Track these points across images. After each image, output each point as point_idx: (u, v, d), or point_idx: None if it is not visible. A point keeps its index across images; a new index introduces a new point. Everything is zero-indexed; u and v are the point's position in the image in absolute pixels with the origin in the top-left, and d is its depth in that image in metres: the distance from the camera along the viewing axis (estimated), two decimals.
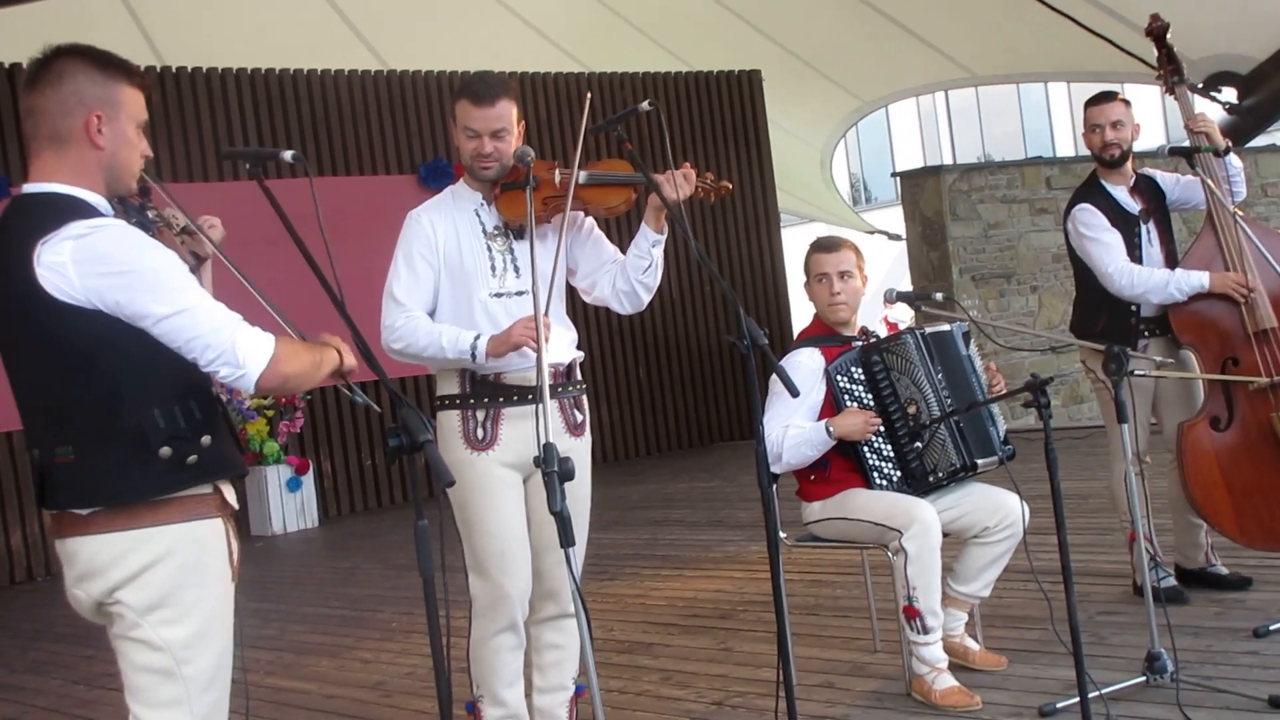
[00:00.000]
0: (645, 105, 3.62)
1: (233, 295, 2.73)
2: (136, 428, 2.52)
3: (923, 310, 4.32)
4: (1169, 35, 5.12)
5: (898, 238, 13.70)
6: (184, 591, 2.58)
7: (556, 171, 3.77)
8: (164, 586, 2.56)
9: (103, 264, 2.48)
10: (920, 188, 11.93)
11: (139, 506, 2.55)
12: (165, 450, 2.54)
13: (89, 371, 2.52)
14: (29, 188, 2.62)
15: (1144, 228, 5.01)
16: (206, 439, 2.60)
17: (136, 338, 2.50)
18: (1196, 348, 4.88)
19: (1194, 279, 4.79)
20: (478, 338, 3.63)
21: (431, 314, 3.76)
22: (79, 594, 2.64)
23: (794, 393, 3.36)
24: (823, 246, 4.47)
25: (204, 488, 2.62)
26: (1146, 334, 4.97)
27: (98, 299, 2.48)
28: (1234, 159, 4.94)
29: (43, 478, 2.61)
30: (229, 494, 2.69)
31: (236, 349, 2.50)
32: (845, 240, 4.51)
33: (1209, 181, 4.82)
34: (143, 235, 2.59)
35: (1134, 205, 5.02)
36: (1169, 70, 5.12)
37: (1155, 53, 5.16)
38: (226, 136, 10.08)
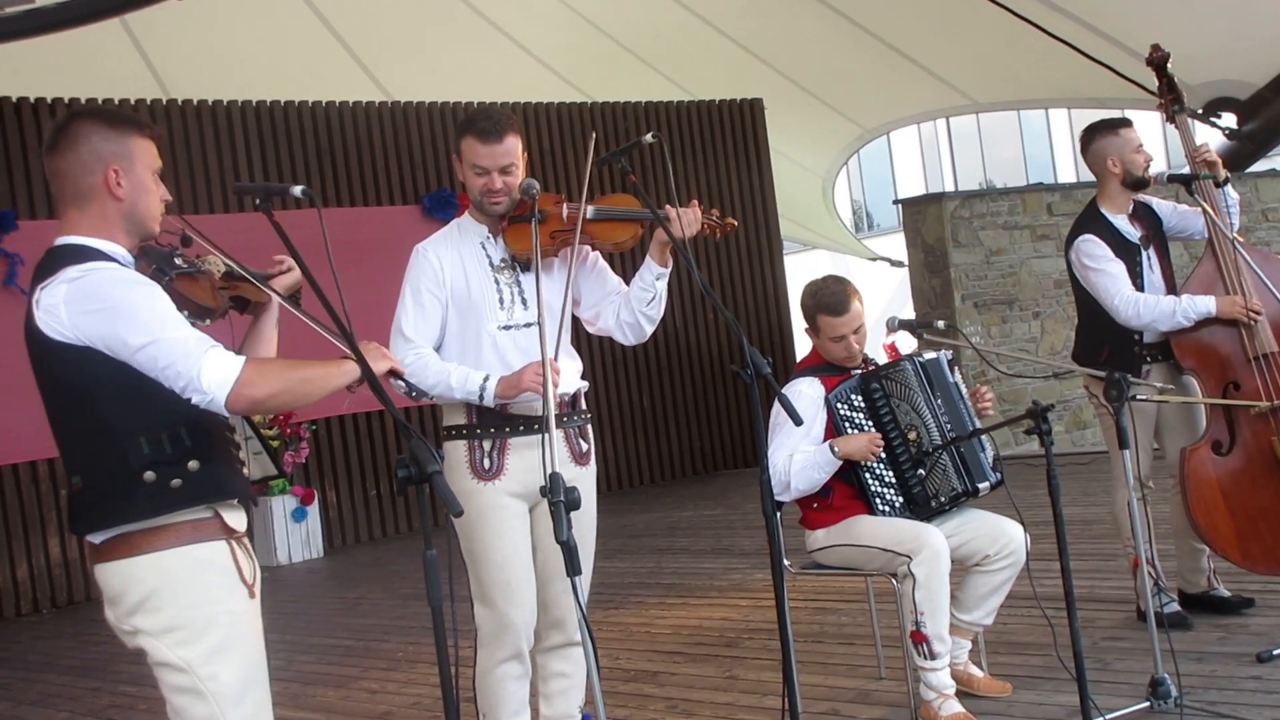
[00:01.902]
0: (649, 137, 3.65)
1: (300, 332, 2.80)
2: (123, 455, 2.69)
3: (925, 338, 4.35)
4: (1169, 65, 5.16)
5: (900, 264, 13.74)
6: (193, 611, 2.71)
7: (564, 206, 3.80)
8: (172, 608, 2.70)
9: (88, 302, 2.65)
10: (922, 215, 11.98)
11: (137, 534, 2.70)
12: (149, 475, 2.69)
13: (85, 404, 2.70)
14: (55, 241, 2.81)
15: (1145, 254, 5.04)
16: (194, 464, 2.73)
17: (123, 370, 2.66)
18: (1198, 373, 4.90)
19: (1200, 304, 4.81)
20: (486, 379, 3.66)
21: (439, 348, 3.79)
22: (109, 617, 2.80)
23: (797, 421, 3.38)
24: (831, 309, 4.35)
25: (201, 512, 2.76)
26: (1149, 359, 4.99)
27: (85, 336, 2.66)
28: (1231, 190, 4.98)
29: (69, 505, 2.80)
30: (231, 517, 2.81)
31: (200, 375, 2.62)
32: (849, 289, 4.41)
33: (1207, 206, 4.86)
34: (131, 275, 2.74)
35: (1134, 232, 5.05)
36: (1170, 99, 5.16)
37: (1156, 82, 5.21)
38: (233, 168, 10.15)
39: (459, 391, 3.67)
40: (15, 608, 8.95)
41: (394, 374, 2.85)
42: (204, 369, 2.63)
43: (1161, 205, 5.18)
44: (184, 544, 2.72)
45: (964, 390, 4.47)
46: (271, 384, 2.70)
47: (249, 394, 2.65)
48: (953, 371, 4.48)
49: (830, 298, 4.38)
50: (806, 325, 4.49)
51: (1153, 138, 27.32)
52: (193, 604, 2.71)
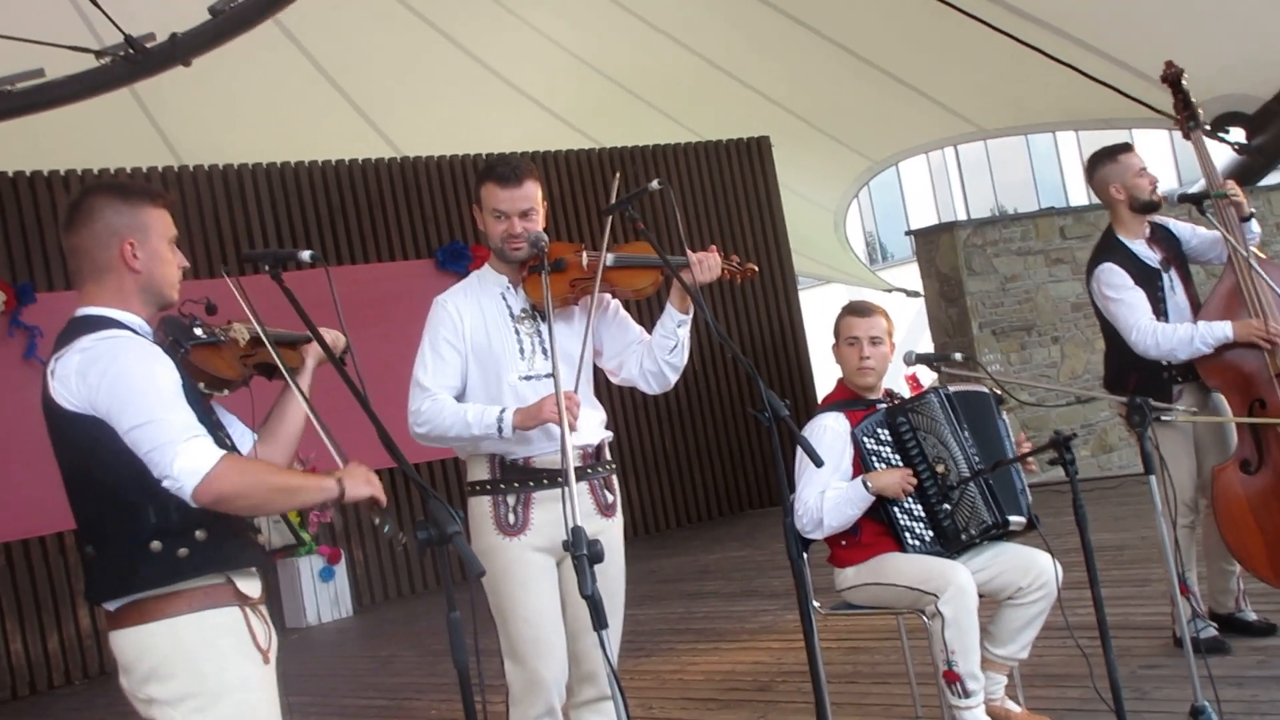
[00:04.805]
0: (654, 185, 3.64)
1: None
2: (132, 524, 2.70)
3: (943, 371, 4.33)
4: (1184, 80, 5.15)
5: (916, 294, 13.71)
6: (207, 680, 2.70)
7: (584, 254, 3.80)
8: (185, 676, 2.70)
9: (94, 373, 2.68)
10: (935, 244, 11.96)
11: (149, 602, 2.71)
12: (155, 545, 2.69)
13: (94, 474, 2.73)
14: (75, 313, 2.84)
15: (1166, 277, 5.01)
16: (200, 534, 2.73)
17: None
18: (1224, 392, 4.88)
19: (1217, 330, 4.78)
20: (503, 411, 3.63)
21: (459, 398, 3.77)
22: (124, 685, 2.79)
23: (818, 463, 3.36)
24: (856, 310, 4.50)
25: (214, 579, 2.76)
26: (1180, 379, 4.96)
27: (92, 406, 2.68)
28: (1254, 224, 4.96)
29: (85, 573, 2.82)
30: (244, 584, 2.81)
31: (173, 463, 2.62)
32: (879, 307, 4.54)
33: (1219, 227, 4.85)
34: (142, 347, 2.75)
35: (1154, 256, 5.02)
36: (1185, 115, 5.15)
37: (1171, 99, 5.19)
38: (245, 230, 10.20)
39: (476, 427, 3.63)
40: (48, 680, 8.93)
41: (374, 502, 2.79)
42: (178, 457, 2.62)
43: (1180, 227, 5.15)
44: (196, 610, 2.72)
45: (1009, 430, 4.47)
46: (243, 484, 2.67)
47: (217, 489, 2.63)
48: (999, 410, 4.48)
49: (859, 304, 4.56)
50: (833, 342, 4.50)
51: (1161, 156, 27.33)
52: (205, 672, 2.70)
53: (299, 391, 2.98)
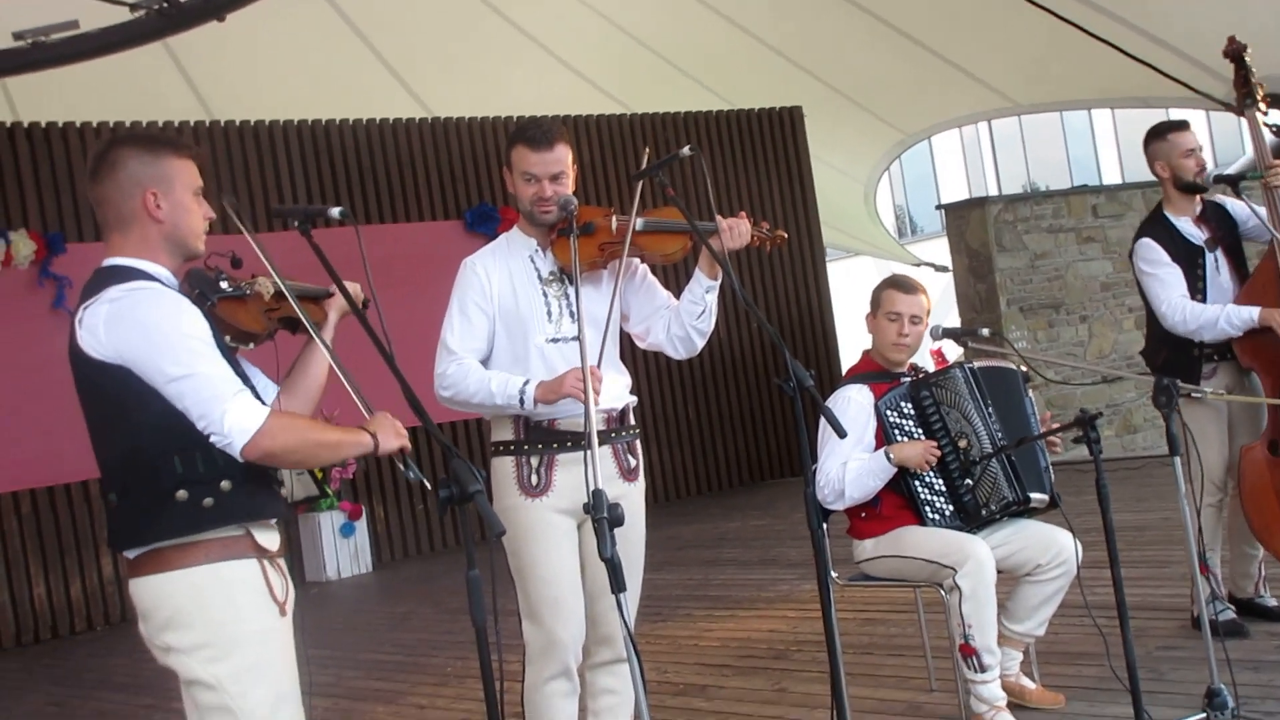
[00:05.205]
0: (686, 151, 3.64)
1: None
2: (156, 473, 2.71)
3: (970, 346, 4.32)
4: (1247, 56, 5.08)
5: (944, 269, 13.65)
6: (223, 629, 2.73)
7: (614, 218, 3.80)
8: (201, 625, 2.73)
9: (127, 323, 2.69)
10: (965, 220, 11.89)
11: (169, 551, 2.73)
12: (181, 494, 2.71)
13: (120, 423, 2.74)
14: (103, 263, 2.85)
15: (1210, 256, 4.97)
16: (226, 484, 2.74)
17: (157, 391, 2.70)
18: (1258, 372, 4.86)
19: (1244, 314, 4.76)
20: (526, 383, 3.64)
21: (486, 360, 3.78)
22: (143, 631, 2.82)
23: (841, 434, 3.36)
24: (901, 286, 4.46)
25: (233, 530, 2.77)
26: (1215, 358, 4.94)
27: (121, 356, 2.69)
28: None
29: (108, 521, 2.83)
30: (262, 537, 2.83)
31: (223, 419, 2.66)
32: (922, 285, 4.51)
33: (1249, 205, 4.82)
34: (173, 299, 2.76)
35: (1199, 235, 4.98)
36: (1243, 92, 5.09)
37: (1233, 74, 5.13)
38: (275, 187, 10.23)
39: (499, 397, 3.65)
40: (70, 625, 9.04)
41: (402, 450, 2.86)
42: (228, 413, 2.66)
43: (1237, 206, 5.09)
44: (214, 561, 2.74)
45: (1035, 408, 4.46)
46: (290, 440, 2.74)
47: (266, 445, 2.69)
48: (1025, 388, 4.47)
49: (902, 278, 4.51)
50: (869, 311, 4.48)
51: (1198, 136, 27.08)
52: (222, 621, 2.73)
53: (323, 344, 2.99)
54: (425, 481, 2.88)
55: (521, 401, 3.64)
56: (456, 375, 3.70)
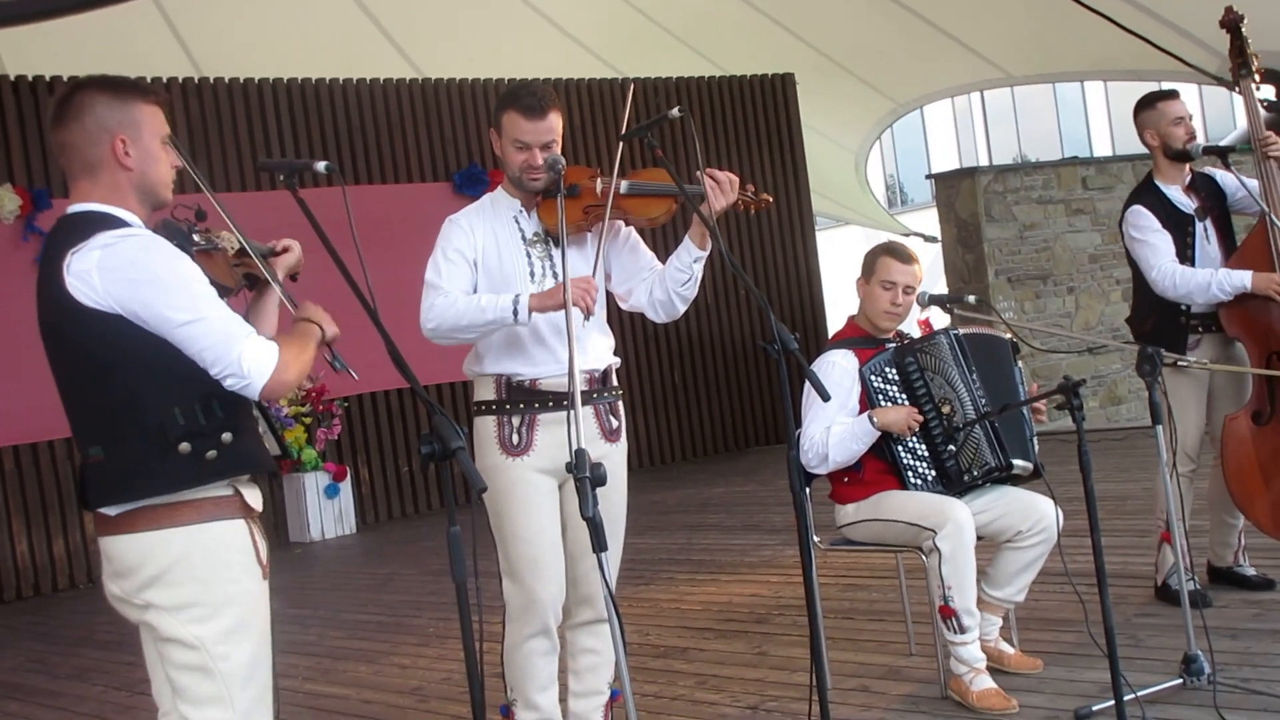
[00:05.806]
0: (675, 112, 3.60)
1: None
2: (158, 425, 2.64)
3: (956, 313, 4.33)
4: (1243, 27, 5.07)
5: (933, 239, 13.65)
6: (211, 589, 2.68)
7: (598, 180, 3.77)
8: (189, 585, 2.67)
9: (126, 270, 2.61)
10: (955, 189, 11.89)
11: (160, 508, 2.66)
12: (184, 446, 2.65)
13: (114, 374, 2.65)
14: (69, 208, 2.77)
15: (1200, 225, 4.98)
16: (227, 436, 2.70)
17: (156, 341, 2.63)
18: (1244, 341, 4.87)
19: (1236, 279, 4.77)
20: (518, 296, 3.58)
21: None
22: (115, 590, 2.76)
23: (825, 397, 3.36)
24: (897, 255, 4.45)
25: (223, 489, 2.72)
26: (1200, 329, 4.95)
27: (119, 304, 2.61)
28: None
29: (82, 478, 2.75)
30: (250, 496, 2.79)
31: (240, 360, 2.62)
32: (917, 255, 4.52)
33: (1237, 176, 4.83)
34: (168, 245, 2.70)
35: (1189, 204, 5.00)
36: (1238, 63, 5.08)
37: (1228, 44, 5.12)
38: (264, 146, 10.18)
39: (491, 311, 3.57)
40: (52, 582, 9.05)
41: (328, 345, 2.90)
42: (245, 354, 2.61)
43: (1226, 178, 5.10)
44: (205, 520, 2.69)
45: (1023, 377, 4.48)
46: (300, 366, 2.73)
47: (285, 378, 2.66)
48: (1015, 358, 4.48)
49: (899, 246, 4.52)
50: (860, 276, 4.47)
51: (1189, 109, 27.05)
52: (212, 581, 2.68)
53: (283, 294, 2.96)
54: (351, 372, 2.89)
55: (515, 314, 3.56)
56: (443, 305, 3.63)
